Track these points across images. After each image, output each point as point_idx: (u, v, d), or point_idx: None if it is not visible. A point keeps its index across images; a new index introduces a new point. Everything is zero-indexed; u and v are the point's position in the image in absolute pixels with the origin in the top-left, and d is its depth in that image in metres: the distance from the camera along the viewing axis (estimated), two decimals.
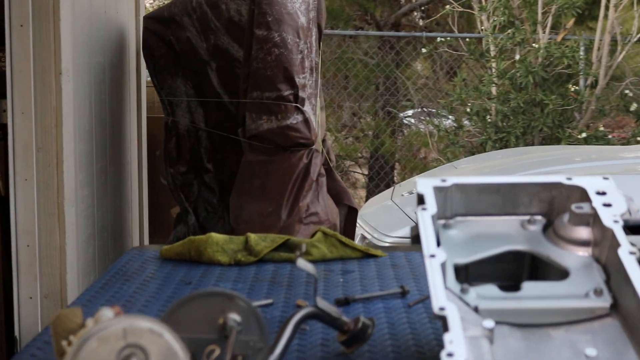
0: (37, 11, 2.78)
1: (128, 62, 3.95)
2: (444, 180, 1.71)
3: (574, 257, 1.61)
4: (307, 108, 3.28)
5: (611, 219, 1.58)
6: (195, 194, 3.83)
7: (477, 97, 7.77)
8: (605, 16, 7.97)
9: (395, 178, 10.94)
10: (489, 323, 1.43)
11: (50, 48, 2.82)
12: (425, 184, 1.69)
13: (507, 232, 1.69)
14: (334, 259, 2.42)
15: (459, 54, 8.65)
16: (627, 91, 7.95)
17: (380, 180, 10.53)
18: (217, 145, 3.76)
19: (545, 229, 1.70)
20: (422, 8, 11.33)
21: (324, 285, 2.18)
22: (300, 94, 3.22)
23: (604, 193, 1.66)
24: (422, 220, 1.58)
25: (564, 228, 1.65)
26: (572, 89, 7.69)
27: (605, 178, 1.72)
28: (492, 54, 8.00)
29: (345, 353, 1.67)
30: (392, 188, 6.51)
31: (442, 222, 1.70)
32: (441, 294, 1.41)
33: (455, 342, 1.31)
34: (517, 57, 7.70)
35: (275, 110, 3.21)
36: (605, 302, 1.48)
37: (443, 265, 1.49)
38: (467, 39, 8.52)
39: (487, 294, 1.52)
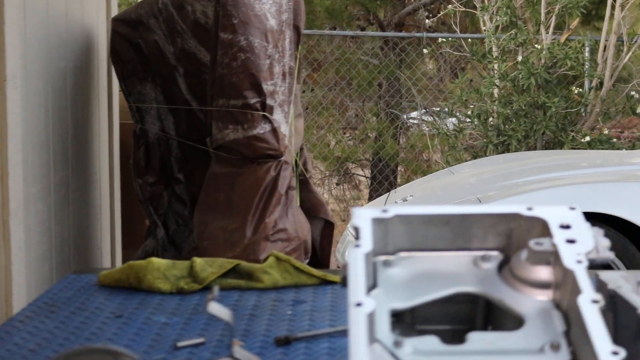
0: None
1: (97, 66, 3.73)
2: (384, 211, 1.48)
3: (531, 302, 1.37)
4: (277, 116, 3.05)
5: (574, 258, 1.35)
6: (164, 206, 3.61)
7: (478, 100, 7.52)
8: (612, 16, 7.71)
9: (398, 180, 10.73)
10: None
11: None
12: (362, 215, 1.46)
13: (457, 271, 1.45)
14: (287, 286, 2.20)
15: (461, 55, 8.40)
16: (633, 92, 7.69)
17: (382, 182, 10.33)
18: (188, 154, 3.54)
19: (502, 267, 1.46)
20: (427, 8, 11.07)
21: (270, 318, 1.95)
22: (268, 101, 2.99)
23: (568, 227, 1.43)
24: (353, 260, 1.35)
25: (521, 267, 1.42)
26: (576, 91, 7.43)
27: (572, 208, 1.48)
28: (495, 55, 7.75)
29: None
30: (387, 194, 6.27)
31: (382, 258, 1.47)
32: (362, 354, 1.18)
33: None
34: (520, 58, 7.45)
35: (241, 120, 2.99)
36: (561, 359, 1.25)
37: (371, 315, 1.26)
38: (470, 40, 8.28)
39: (425, 347, 1.29)
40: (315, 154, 10.53)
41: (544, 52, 7.28)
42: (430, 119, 9.54)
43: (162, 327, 1.87)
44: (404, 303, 1.39)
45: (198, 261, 2.20)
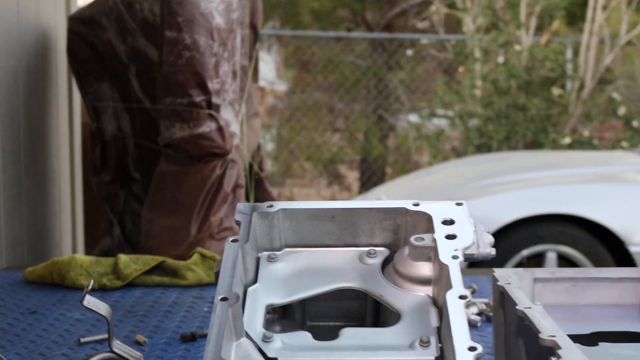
0: None
1: (55, 65, 3.71)
2: (270, 206, 1.46)
3: (409, 298, 1.36)
4: (225, 115, 3.03)
5: (450, 254, 1.33)
6: (121, 205, 3.59)
7: (459, 100, 7.50)
8: (594, 18, 7.69)
9: (386, 181, 10.71)
10: None
11: None
12: (243, 209, 1.44)
13: (340, 267, 1.44)
14: (211, 283, 2.18)
15: (444, 57, 8.39)
16: (614, 94, 7.67)
17: (372, 184, 10.31)
18: (145, 153, 3.52)
19: (388, 263, 1.45)
20: (415, 10, 11.05)
21: (185, 315, 1.94)
22: (214, 100, 2.97)
23: (451, 222, 1.41)
24: (225, 255, 1.34)
25: (402, 263, 1.40)
26: (557, 93, 7.40)
27: (459, 204, 1.46)
28: (477, 56, 7.73)
29: None
30: (360, 196, 6.26)
31: (266, 254, 1.46)
32: (214, 349, 1.16)
33: None
34: (501, 59, 7.43)
35: (187, 118, 2.98)
36: (430, 355, 1.23)
37: (237, 310, 1.24)
38: (454, 41, 8.26)
39: (294, 342, 1.28)
40: (305, 155, 10.53)
41: (524, 54, 7.26)
42: (418, 120, 9.53)
43: (73, 323, 1.86)
44: (281, 299, 1.37)
45: (123, 258, 2.19)
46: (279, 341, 1.27)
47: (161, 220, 3.01)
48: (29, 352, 1.67)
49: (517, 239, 4.76)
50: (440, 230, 1.39)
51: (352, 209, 1.46)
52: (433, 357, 1.22)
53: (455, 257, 1.32)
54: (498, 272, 1.54)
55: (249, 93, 3.48)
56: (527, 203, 4.88)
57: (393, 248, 1.46)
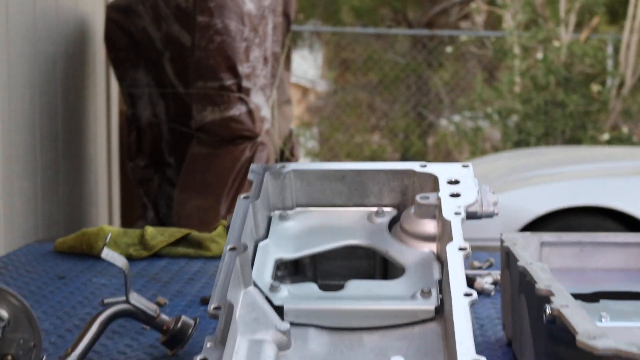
0: None
1: (93, 53, 3.81)
2: (282, 167, 1.51)
3: (414, 254, 1.40)
4: (255, 99, 3.10)
5: (453, 210, 1.37)
6: (155, 189, 3.67)
7: (498, 97, 7.50)
8: (635, 15, 7.64)
9: None
10: (283, 325, 1.23)
11: None
12: (256, 169, 1.50)
13: (349, 225, 1.49)
14: None
15: (483, 54, 8.40)
16: None
17: None
18: (178, 139, 3.60)
19: (395, 222, 1.49)
20: (456, 7, 11.06)
21: (206, 282, 2.00)
22: (245, 83, 3.04)
23: (456, 182, 1.46)
24: (236, 210, 1.39)
25: (408, 221, 1.45)
26: (596, 90, 7.38)
27: (465, 165, 1.51)
28: (516, 52, 7.73)
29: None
30: None
31: (278, 212, 1.51)
32: (220, 292, 1.21)
33: (214, 346, 1.12)
34: (539, 55, 7.42)
35: (218, 101, 3.04)
36: (430, 304, 1.27)
37: (244, 260, 1.30)
38: (493, 38, 8.27)
39: (301, 293, 1.33)
40: (345, 153, 10.57)
41: (563, 50, 7.25)
42: (459, 118, 9.53)
43: (98, 287, 1.93)
44: (291, 254, 1.43)
45: (149, 230, 2.25)
46: (285, 291, 1.32)
47: (192, 201, 3.08)
48: (54, 311, 1.74)
49: (551, 231, 4.76)
50: (445, 190, 1.43)
51: (362, 170, 1.51)
52: (433, 307, 1.26)
53: (457, 214, 1.36)
54: (506, 235, 1.58)
55: (280, 79, 3.54)
56: (561, 195, 4.87)
57: (401, 208, 1.51)
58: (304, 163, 1.52)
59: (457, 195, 1.41)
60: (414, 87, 10.28)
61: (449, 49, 8.67)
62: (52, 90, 3.34)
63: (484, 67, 8.95)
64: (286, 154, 3.51)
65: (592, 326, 1.07)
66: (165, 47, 3.39)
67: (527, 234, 1.60)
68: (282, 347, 1.22)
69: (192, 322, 1.49)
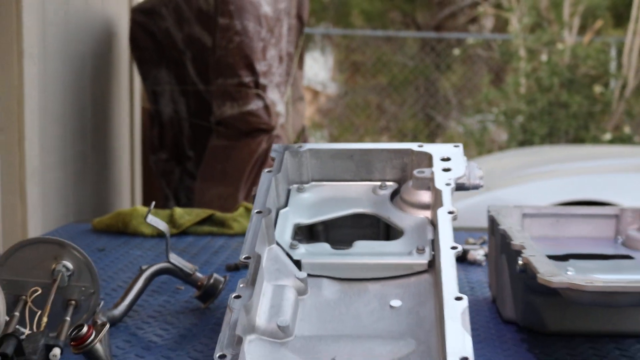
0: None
1: (118, 52, 4.07)
2: (300, 146, 1.77)
3: (411, 219, 1.66)
4: (271, 95, 3.35)
5: (444, 182, 1.63)
6: (176, 181, 3.93)
7: (503, 98, 7.75)
8: (638, 17, 7.88)
9: None
10: (301, 274, 1.49)
11: (12, 31, 2.94)
12: (277, 148, 1.76)
13: (356, 197, 1.74)
14: None
15: (490, 56, 8.64)
16: None
17: None
18: (198, 134, 3.86)
19: (396, 194, 1.75)
20: (465, 12, 11.30)
21: (230, 254, 2.25)
22: (261, 80, 3.30)
23: (448, 159, 1.71)
24: (261, 181, 1.65)
25: (407, 192, 1.70)
26: (598, 91, 7.62)
27: (456, 146, 1.76)
28: (522, 55, 7.98)
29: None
30: None
31: (296, 186, 1.77)
32: (250, 246, 1.47)
33: (246, 286, 1.38)
34: (544, 58, 7.67)
35: (236, 97, 3.30)
36: (424, 259, 1.53)
37: (269, 222, 1.55)
38: (500, 41, 8.52)
39: (316, 250, 1.59)
40: None
41: (567, 52, 7.49)
42: (469, 120, 9.76)
43: (135, 258, 2.19)
44: (307, 219, 1.68)
45: (178, 210, 2.51)
46: (303, 249, 1.58)
47: (212, 190, 3.34)
48: (98, 276, 2.00)
49: None
50: (438, 165, 1.68)
51: (368, 149, 1.77)
52: (426, 261, 1.52)
53: (448, 184, 1.61)
54: (491, 206, 1.83)
55: (294, 78, 3.80)
56: (558, 190, 5.12)
57: (401, 183, 1.76)
58: (318, 143, 1.78)
59: (448, 169, 1.67)
60: (422, 89, 10.54)
61: (456, 52, 8.92)
62: (81, 88, 3.60)
63: (490, 69, 9.20)
64: None
65: (551, 267, 1.33)
66: (187, 47, 3.66)
67: (511, 206, 1.86)
68: (300, 292, 1.48)
69: (222, 279, 1.75)
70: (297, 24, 3.90)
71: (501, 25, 10.05)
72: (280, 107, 3.44)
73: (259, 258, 1.44)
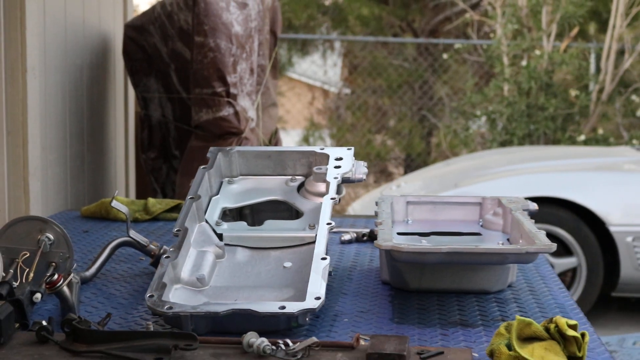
0: (7, 22, 3.46)
1: (113, 64, 4.63)
2: (231, 149, 2.33)
3: (310, 204, 2.20)
4: (242, 102, 3.90)
5: (333, 176, 2.18)
6: (163, 177, 4.49)
7: (483, 100, 8.28)
8: (614, 24, 8.38)
9: None
10: (220, 243, 2.05)
11: (18, 50, 3.51)
12: (212, 150, 2.32)
13: (272, 187, 2.29)
14: None
15: (476, 60, 9.17)
16: (633, 97, 8.36)
17: None
18: (183, 135, 4.41)
19: (303, 185, 2.30)
20: (457, 18, 11.82)
21: None
22: (232, 90, 3.85)
23: (341, 158, 2.26)
24: (197, 175, 2.21)
25: (309, 184, 2.25)
26: (573, 95, 8.13)
27: (349, 148, 2.31)
28: (505, 60, 8.51)
29: None
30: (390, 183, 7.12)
31: (227, 179, 2.32)
32: (181, 222, 2.02)
33: (174, 250, 1.93)
34: (524, 63, 8.19)
35: (211, 104, 3.86)
36: (312, 233, 2.07)
37: (199, 205, 2.11)
38: (485, 46, 9.04)
39: (235, 227, 2.14)
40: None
41: (544, 58, 8.02)
42: (462, 121, 10.27)
43: (112, 237, 2.74)
44: (232, 204, 2.24)
45: (151, 200, 3.07)
46: (225, 225, 2.13)
47: (190, 184, 3.90)
48: (80, 250, 2.56)
49: None
50: (332, 164, 2.23)
51: (282, 151, 2.32)
52: (314, 234, 2.06)
53: (335, 178, 2.16)
54: (382, 196, 2.38)
55: (266, 87, 4.35)
56: (521, 188, 5.65)
57: (307, 177, 2.31)
58: (245, 147, 2.34)
59: (338, 167, 2.22)
60: (418, 91, 11.08)
61: (445, 56, 9.46)
62: (79, 95, 4.17)
63: (475, 72, 9.73)
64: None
65: (387, 237, 1.88)
66: (171, 60, 4.22)
67: (398, 196, 2.40)
68: (218, 256, 2.03)
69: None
70: (271, 38, 4.45)
71: (491, 31, 10.57)
72: (251, 113, 3.99)
73: (186, 230, 2.00)
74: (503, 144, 8.20)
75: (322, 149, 2.30)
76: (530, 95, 8.06)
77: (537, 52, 8.04)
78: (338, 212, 9.35)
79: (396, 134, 11.50)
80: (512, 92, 8.28)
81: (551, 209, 5.59)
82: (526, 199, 2.36)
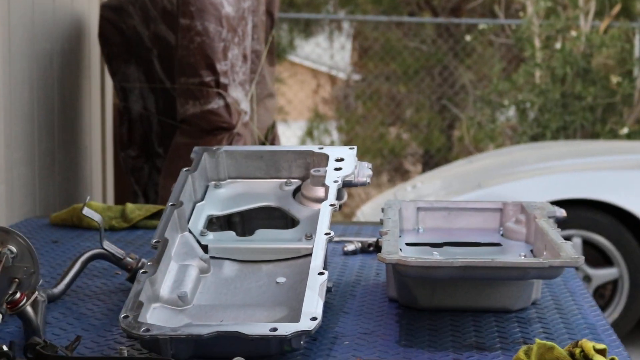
0: None
1: (88, 49, 4.66)
2: (217, 148, 2.35)
3: (307, 211, 2.23)
4: (233, 93, 3.93)
5: (333, 179, 2.20)
6: (145, 178, 4.52)
7: (511, 88, 8.29)
8: None
9: None
10: (205, 256, 2.07)
11: None
12: (197, 150, 2.34)
13: (264, 192, 2.32)
14: None
15: (503, 43, 9.19)
16: None
17: None
18: (167, 130, 4.44)
19: (299, 190, 2.32)
20: None
21: None
22: (222, 80, 3.87)
23: (342, 159, 2.28)
24: (179, 179, 2.23)
25: (306, 188, 2.28)
26: (615, 82, 8.14)
27: (351, 148, 2.33)
28: (537, 42, 8.52)
29: None
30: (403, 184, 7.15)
31: (213, 183, 2.35)
32: (160, 232, 2.05)
33: (152, 264, 1.95)
34: (558, 45, 8.20)
35: (198, 95, 3.88)
36: (309, 244, 2.10)
37: (181, 212, 2.13)
38: (514, 27, 9.06)
39: (222, 237, 2.16)
40: (364, 149, 11.37)
41: (581, 39, 8.03)
42: (488, 112, 10.29)
43: (85, 249, 2.76)
44: (219, 211, 2.26)
45: (129, 206, 3.10)
46: (211, 235, 2.16)
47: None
48: (49, 263, 2.58)
49: None
50: (332, 165, 2.26)
51: (275, 151, 2.34)
52: (311, 246, 2.08)
53: (335, 182, 2.19)
54: (388, 201, 2.40)
55: (262, 75, 4.38)
56: (553, 188, 5.67)
57: (304, 180, 2.34)
58: (233, 146, 2.36)
59: (339, 169, 2.24)
60: (438, 77, 11.11)
61: (468, 38, 9.48)
62: (49, 85, 4.20)
63: (502, 56, 9.75)
64: (267, 145, 4.34)
65: (393, 249, 1.90)
66: (154, 45, 4.24)
67: (407, 201, 2.43)
68: (203, 271, 2.06)
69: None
70: (267, 20, 4.48)
71: (521, 10, 10.59)
72: (244, 105, 4.02)
73: (166, 242, 2.02)
74: (534, 138, 8.21)
75: (321, 148, 2.32)
76: (565, 82, 8.06)
77: (573, 33, 8.04)
78: (345, 217, 9.38)
79: (413, 127, 11.53)
80: (545, 79, 8.28)
81: (588, 213, 5.61)
82: (560, 201, 2.38)
